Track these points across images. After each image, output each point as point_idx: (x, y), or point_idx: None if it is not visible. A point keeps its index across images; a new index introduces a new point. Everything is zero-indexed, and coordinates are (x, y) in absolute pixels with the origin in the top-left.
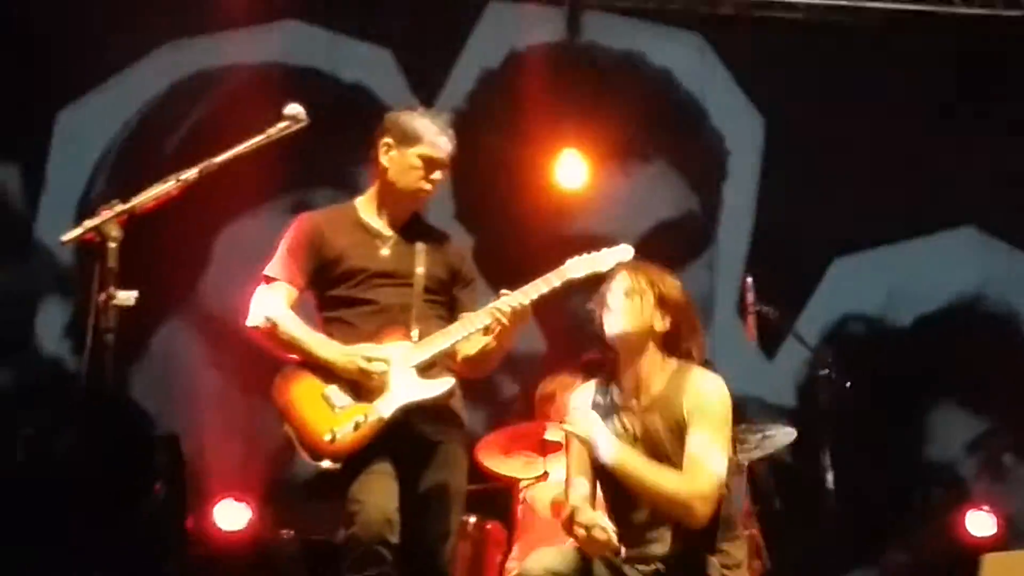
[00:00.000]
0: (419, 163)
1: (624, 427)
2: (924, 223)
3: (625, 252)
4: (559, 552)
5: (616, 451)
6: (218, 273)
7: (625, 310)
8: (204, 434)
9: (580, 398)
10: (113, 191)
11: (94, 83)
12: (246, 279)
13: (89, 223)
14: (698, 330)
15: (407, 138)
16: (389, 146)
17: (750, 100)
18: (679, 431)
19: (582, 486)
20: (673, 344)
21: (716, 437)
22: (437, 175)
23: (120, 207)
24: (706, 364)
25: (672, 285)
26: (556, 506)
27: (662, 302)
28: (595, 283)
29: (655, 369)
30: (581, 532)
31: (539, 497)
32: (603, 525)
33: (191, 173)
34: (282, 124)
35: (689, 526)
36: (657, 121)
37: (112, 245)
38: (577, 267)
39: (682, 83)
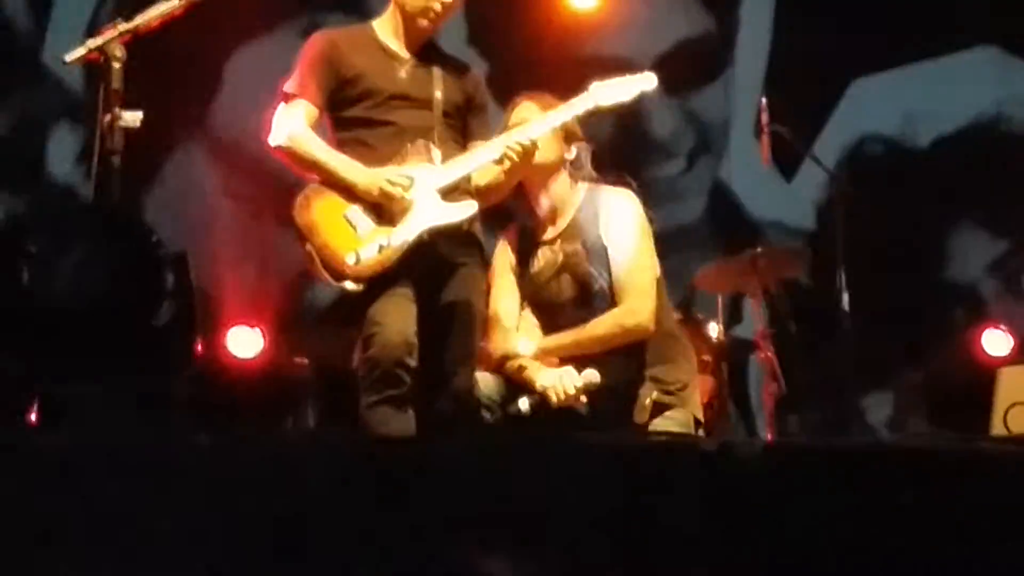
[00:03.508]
0: None
1: (546, 259)
2: (944, 43)
3: (648, 80)
4: (486, 380)
5: (539, 347)
6: (230, 97)
7: (539, 140)
8: (218, 261)
9: (504, 243)
10: (122, 13)
11: None
12: (257, 104)
13: (92, 42)
14: (591, 158)
15: None
16: None
17: None
18: (599, 252)
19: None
20: (577, 171)
21: (637, 251)
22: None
23: (124, 26)
24: (626, 187)
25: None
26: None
27: (567, 132)
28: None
29: (567, 196)
30: (551, 380)
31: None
32: (577, 385)
33: None
34: None
35: (642, 341)
36: None
37: (116, 65)
38: (603, 95)
39: None
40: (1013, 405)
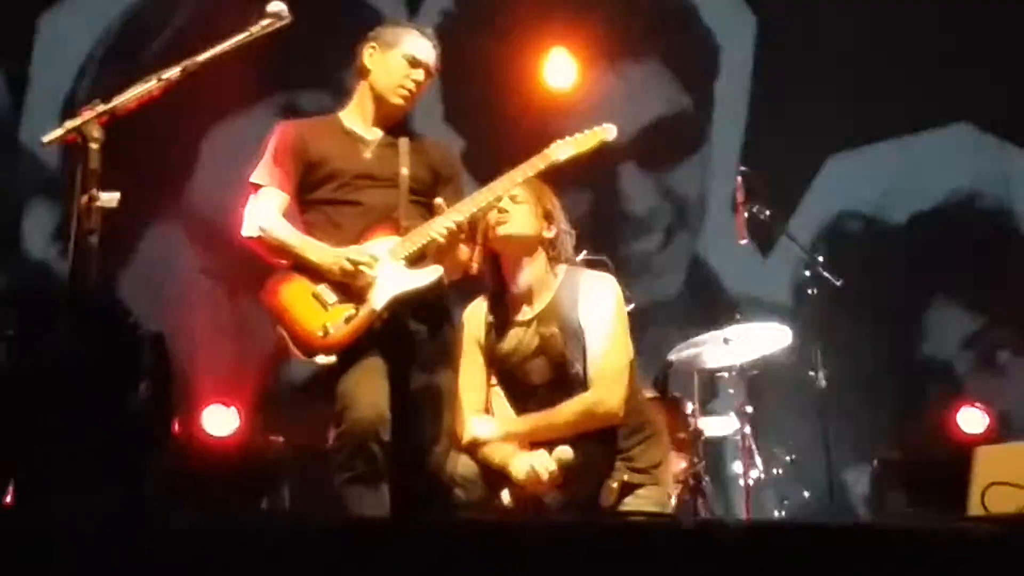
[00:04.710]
0: (402, 62)
1: (520, 341)
2: (918, 120)
3: (608, 132)
4: (470, 462)
5: (505, 431)
6: (206, 175)
7: (517, 214)
8: (193, 339)
9: (472, 319)
10: (98, 94)
11: None
12: (233, 182)
13: (70, 124)
14: (570, 243)
15: (389, 42)
16: (374, 49)
17: None
18: (577, 335)
19: (483, 414)
20: (556, 253)
21: (613, 337)
22: (419, 75)
23: (101, 107)
24: (602, 266)
25: (551, 197)
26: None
27: (545, 212)
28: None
29: (544, 277)
30: (524, 472)
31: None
32: (551, 469)
33: (173, 72)
34: (265, 22)
35: (612, 425)
36: (647, 18)
37: (94, 146)
38: (561, 149)
39: None
40: (990, 485)
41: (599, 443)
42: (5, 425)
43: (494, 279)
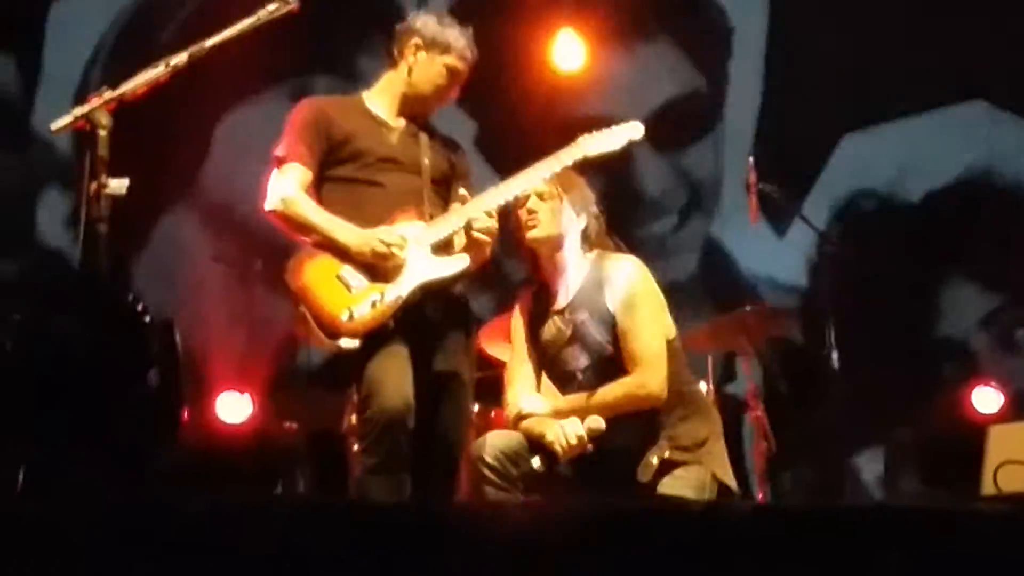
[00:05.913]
0: (445, 72)
1: (558, 329)
2: (933, 98)
3: (635, 129)
4: (508, 435)
5: (552, 409)
6: (219, 162)
7: (543, 214)
8: (206, 325)
9: (520, 309)
10: (110, 81)
11: None
12: (246, 168)
13: (79, 110)
14: (600, 226)
15: (438, 45)
16: (418, 47)
17: None
18: (606, 320)
19: (533, 393)
20: (587, 241)
21: (643, 320)
22: (456, 89)
23: (109, 94)
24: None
25: (577, 185)
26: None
27: (573, 204)
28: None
29: (576, 264)
30: (554, 433)
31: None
32: (579, 433)
33: (180, 58)
34: (272, 7)
35: (655, 407)
36: None
37: (102, 133)
38: (591, 145)
39: None
40: (1003, 463)
41: (643, 421)
42: (13, 413)
43: (533, 272)
